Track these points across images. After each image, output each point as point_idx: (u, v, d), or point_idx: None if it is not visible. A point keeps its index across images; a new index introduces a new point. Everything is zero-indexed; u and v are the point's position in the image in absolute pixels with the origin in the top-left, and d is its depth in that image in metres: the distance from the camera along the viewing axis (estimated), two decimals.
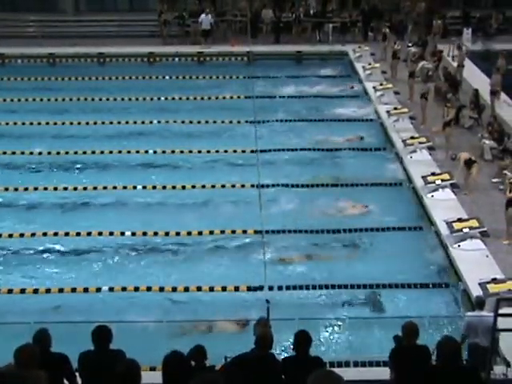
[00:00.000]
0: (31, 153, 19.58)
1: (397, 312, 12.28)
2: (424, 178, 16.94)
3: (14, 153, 19.55)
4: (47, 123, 21.82)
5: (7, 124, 21.83)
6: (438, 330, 11.22)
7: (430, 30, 29.40)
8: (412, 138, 19.29)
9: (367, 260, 14.64)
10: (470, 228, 14.48)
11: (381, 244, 15.08)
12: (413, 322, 8.18)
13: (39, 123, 21.82)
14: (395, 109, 21.62)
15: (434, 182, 16.68)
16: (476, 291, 12.15)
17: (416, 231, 15.52)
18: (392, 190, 17.54)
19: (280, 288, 13.35)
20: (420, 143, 18.97)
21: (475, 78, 24.07)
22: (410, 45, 26.20)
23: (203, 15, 29.47)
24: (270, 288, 12.97)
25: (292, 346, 7.45)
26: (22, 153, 19.55)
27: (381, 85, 23.81)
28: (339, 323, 12.30)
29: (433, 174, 17.03)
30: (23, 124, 21.86)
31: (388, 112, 21.42)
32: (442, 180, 16.73)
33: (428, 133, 19.80)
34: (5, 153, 19.58)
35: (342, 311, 12.81)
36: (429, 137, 19.34)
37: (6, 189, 17.63)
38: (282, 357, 7.82)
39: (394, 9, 31.70)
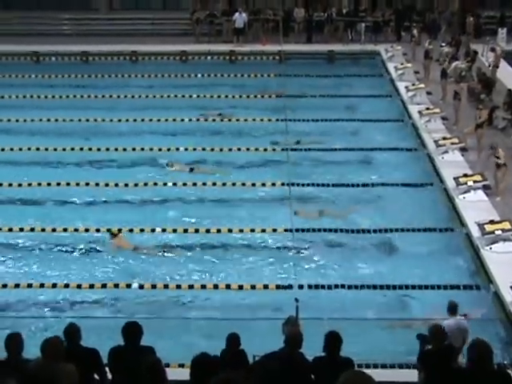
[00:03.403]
0: (64, 149, 19.78)
1: (426, 314, 12.17)
2: (456, 179, 16.78)
3: (46, 149, 19.76)
4: (79, 120, 22.05)
5: (41, 120, 22.07)
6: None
7: (463, 30, 29.15)
8: (444, 138, 19.14)
9: (397, 260, 14.57)
10: (502, 230, 14.31)
11: (411, 245, 15.00)
12: (440, 324, 8.12)
13: (72, 120, 22.06)
14: (427, 109, 21.46)
15: (465, 184, 16.52)
16: (507, 294, 12.01)
17: (447, 233, 15.39)
18: (423, 191, 17.42)
19: (310, 287, 13.34)
20: (452, 144, 18.81)
21: (510, 78, 23.80)
22: (443, 44, 25.98)
23: (237, 14, 29.53)
24: (300, 286, 12.99)
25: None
26: (55, 149, 19.76)
27: (413, 85, 23.64)
28: (369, 323, 12.24)
29: (465, 175, 16.86)
30: (56, 121, 22.10)
31: (420, 112, 21.27)
32: (474, 181, 16.56)
33: (460, 134, 19.62)
34: (38, 149, 19.79)
35: (372, 311, 12.75)
36: (461, 138, 19.17)
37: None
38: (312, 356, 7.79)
39: (427, 8, 31.46)
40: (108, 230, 15.48)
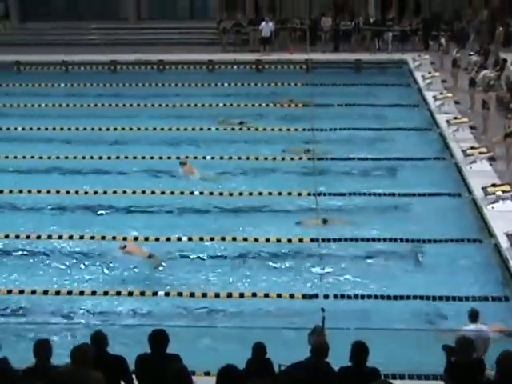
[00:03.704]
0: (91, 157, 19.95)
1: (457, 324, 12.05)
2: (484, 189, 16.64)
3: (75, 157, 19.94)
4: (107, 129, 22.24)
5: (69, 129, 22.29)
6: (495, 343, 10.95)
7: (492, 39, 28.94)
8: (472, 148, 18.99)
9: (424, 271, 14.48)
10: None
11: (438, 255, 14.88)
12: (467, 335, 8.03)
13: (100, 129, 22.26)
14: (455, 118, 21.33)
15: (494, 194, 16.37)
16: None
17: (475, 243, 15.25)
18: (451, 201, 17.30)
19: (336, 296, 13.30)
20: (480, 153, 18.65)
21: None
22: (471, 53, 25.81)
23: (263, 23, 29.63)
24: (326, 296, 12.95)
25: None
26: (83, 157, 19.94)
27: (441, 94, 23.52)
28: (396, 334, 12.15)
29: (493, 185, 16.71)
30: (84, 129, 22.31)
31: (448, 121, 21.15)
32: (503, 191, 16.39)
33: (489, 143, 19.46)
34: (67, 157, 19.98)
35: (398, 322, 12.66)
36: (489, 147, 19.02)
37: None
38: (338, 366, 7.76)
39: (455, 17, 31.30)
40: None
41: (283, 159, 19.61)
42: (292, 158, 19.56)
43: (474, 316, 10.51)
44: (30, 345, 7.46)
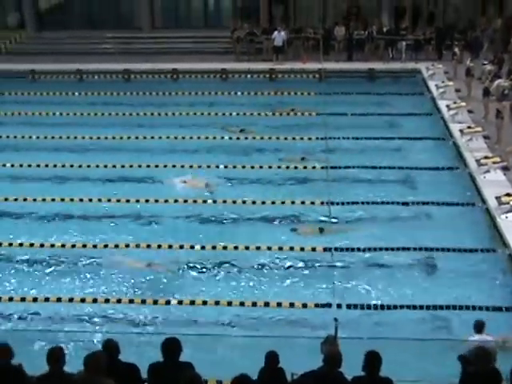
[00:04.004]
0: (105, 166, 20.05)
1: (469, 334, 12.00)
2: (498, 198, 16.57)
3: (88, 166, 20.04)
4: (121, 137, 22.35)
5: (83, 138, 22.41)
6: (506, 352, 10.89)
7: (506, 48, 28.86)
8: (486, 157, 18.93)
9: (437, 280, 14.43)
10: None
11: (452, 265, 14.83)
12: (484, 346, 7.98)
13: (114, 137, 22.37)
14: (469, 128, 21.27)
15: (508, 203, 16.30)
16: None
17: (489, 253, 15.18)
18: (464, 210, 17.24)
19: (349, 306, 13.27)
20: (494, 163, 18.59)
21: None
22: (485, 62, 25.75)
23: (276, 32, 29.71)
24: (338, 306, 12.93)
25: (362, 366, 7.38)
26: (97, 166, 20.05)
27: (454, 103, 23.48)
28: (409, 343, 12.10)
29: (507, 194, 16.65)
30: (98, 138, 22.43)
31: (461, 131, 21.10)
32: None
33: (502, 153, 19.39)
34: (80, 166, 20.08)
35: (412, 332, 12.61)
36: (503, 157, 18.95)
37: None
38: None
39: (469, 26, 31.25)
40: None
41: (296, 168, 19.63)
42: (305, 167, 19.57)
43: (479, 327, 10.42)
44: (44, 352, 7.51)
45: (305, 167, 19.66)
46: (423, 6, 33.31)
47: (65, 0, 35.76)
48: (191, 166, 19.67)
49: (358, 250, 15.34)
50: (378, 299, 13.69)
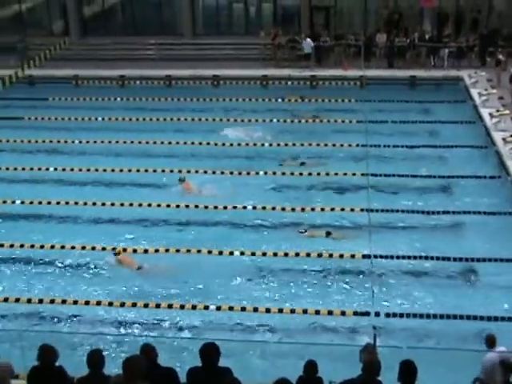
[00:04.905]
0: (146, 170, 20.21)
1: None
2: None
3: (129, 170, 20.26)
4: (162, 142, 22.53)
5: (125, 143, 22.64)
6: None
7: None
8: None
9: (479, 290, 14.29)
10: None
11: (494, 275, 14.66)
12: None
13: (154, 142, 22.56)
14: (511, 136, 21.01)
15: None
16: None
17: None
18: (507, 219, 17.02)
19: (387, 315, 13.18)
20: None
21: None
22: None
23: (303, 41, 29.87)
24: (377, 314, 12.85)
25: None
26: (138, 170, 20.24)
27: (497, 111, 23.18)
28: (448, 354, 11.97)
29: None
30: (139, 143, 22.64)
31: (504, 139, 20.81)
32: None
33: None
34: (121, 170, 20.31)
35: (451, 341, 12.47)
36: None
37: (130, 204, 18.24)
38: None
39: None
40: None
41: (336, 174, 19.59)
42: (346, 174, 19.52)
43: (491, 341, 10.07)
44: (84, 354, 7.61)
45: (345, 174, 19.57)
46: (466, 13, 32.91)
47: (108, 7, 36.22)
48: (231, 173, 19.75)
49: (398, 258, 15.24)
50: (416, 308, 13.57)
